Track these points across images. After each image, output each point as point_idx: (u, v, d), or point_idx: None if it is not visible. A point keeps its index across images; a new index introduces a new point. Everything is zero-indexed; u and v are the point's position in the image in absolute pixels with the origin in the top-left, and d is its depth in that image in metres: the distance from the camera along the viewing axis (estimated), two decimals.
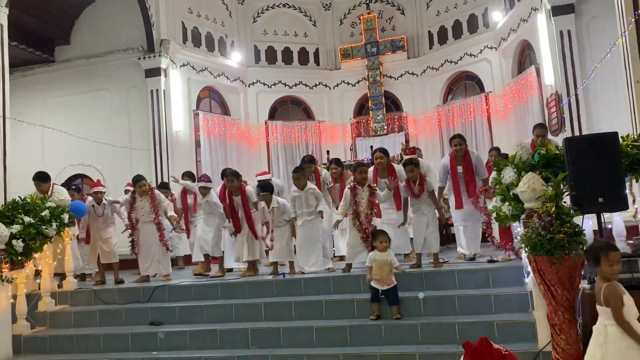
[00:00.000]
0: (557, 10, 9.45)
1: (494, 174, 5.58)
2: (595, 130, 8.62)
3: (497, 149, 8.14)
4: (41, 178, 7.38)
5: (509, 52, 11.75)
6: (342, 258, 7.91)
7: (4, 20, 8.35)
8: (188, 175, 9.08)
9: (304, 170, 7.42)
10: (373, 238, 5.92)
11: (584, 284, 4.61)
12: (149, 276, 7.50)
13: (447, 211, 8.24)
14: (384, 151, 7.41)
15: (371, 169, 7.31)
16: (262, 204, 7.18)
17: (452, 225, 8.31)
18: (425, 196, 6.60)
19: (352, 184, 6.75)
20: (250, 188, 7.79)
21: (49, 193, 7.21)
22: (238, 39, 13.63)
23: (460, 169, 7.14)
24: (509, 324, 4.98)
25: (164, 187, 9.00)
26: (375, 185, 6.82)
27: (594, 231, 5.06)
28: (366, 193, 6.60)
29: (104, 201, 8.04)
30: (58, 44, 12.22)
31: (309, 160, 8.09)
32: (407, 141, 12.98)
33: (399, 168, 7.27)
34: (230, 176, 7.47)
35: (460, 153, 7.18)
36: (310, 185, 7.17)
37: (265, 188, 7.19)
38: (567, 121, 9.33)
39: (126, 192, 8.35)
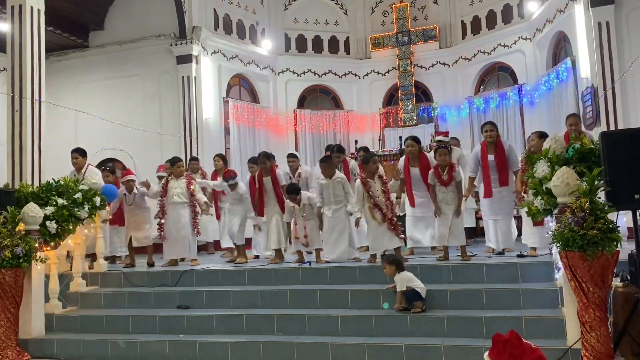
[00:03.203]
0: (595, 1, 9.17)
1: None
2: (631, 125, 8.43)
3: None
4: (80, 152, 7.78)
5: (544, 43, 11.49)
6: (368, 248, 7.89)
7: (41, 5, 8.49)
8: (220, 157, 8.98)
9: (331, 159, 7.40)
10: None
11: (616, 282, 4.52)
12: (177, 260, 7.60)
13: (477, 202, 8.13)
14: (415, 139, 7.33)
15: (402, 158, 7.37)
16: (292, 205, 7.17)
17: (480, 218, 8.19)
18: (453, 185, 6.51)
19: (361, 176, 6.71)
20: (280, 171, 7.80)
21: (83, 170, 7.54)
22: (269, 27, 13.62)
23: (491, 157, 7.02)
24: (537, 319, 4.91)
25: (194, 159, 9.51)
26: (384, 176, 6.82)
27: (629, 228, 4.94)
28: (378, 184, 6.59)
29: (135, 190, 7.97)
30: (92, 29, 12.39)
31: (338, 149, 8.04)
32: (436, 132, 12.84)
33: (430, 156, 7.24)
34: (263, 157, 7.52)
35: (491, 140, 7.06)
36: (339, 174, 7.15)
37: (292, 191, 7.15)
38: (602, 115, 9.10)
39: (159, 178, 8.21)
